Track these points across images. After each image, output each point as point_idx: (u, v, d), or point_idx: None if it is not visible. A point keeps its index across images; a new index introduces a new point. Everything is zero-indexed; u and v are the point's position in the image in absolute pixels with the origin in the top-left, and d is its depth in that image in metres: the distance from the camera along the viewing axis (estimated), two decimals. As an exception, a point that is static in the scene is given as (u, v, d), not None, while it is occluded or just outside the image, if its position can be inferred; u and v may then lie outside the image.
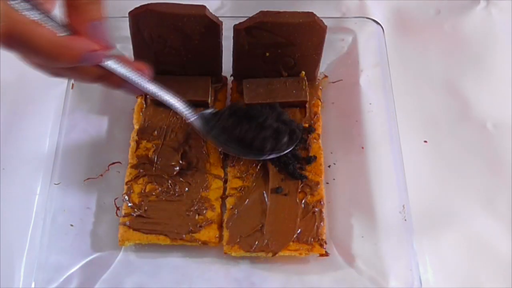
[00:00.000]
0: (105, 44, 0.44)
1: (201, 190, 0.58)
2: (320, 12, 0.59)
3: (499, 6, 0.77)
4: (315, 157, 0.60)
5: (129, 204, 0.57)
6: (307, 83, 0.63)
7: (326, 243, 0.56)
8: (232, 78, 0.66)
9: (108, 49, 0.44)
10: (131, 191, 0.58)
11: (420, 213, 0.60)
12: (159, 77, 0.62)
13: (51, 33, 0.40)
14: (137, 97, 0.64)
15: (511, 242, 0.59)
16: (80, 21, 0.43)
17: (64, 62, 0.41)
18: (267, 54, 0.61)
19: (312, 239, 0.56)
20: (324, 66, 0.68)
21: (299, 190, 0.58)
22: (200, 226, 0.56)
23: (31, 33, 0.39)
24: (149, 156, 0.60)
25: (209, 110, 0.60)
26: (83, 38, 0.42)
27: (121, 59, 0.47)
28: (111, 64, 0.46)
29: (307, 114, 0.63)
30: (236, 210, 0.57)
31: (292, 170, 0.58)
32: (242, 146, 0.58)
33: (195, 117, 0.57)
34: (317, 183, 0.59)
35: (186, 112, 0.56)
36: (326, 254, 0.56)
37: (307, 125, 0.62)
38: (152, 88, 0.51)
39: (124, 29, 0.61)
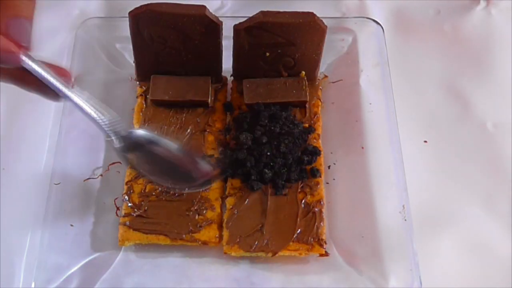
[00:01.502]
0: (25, 45, 0.40)
1: (201, 190, 0.58)
2: (320, 12, 0.59)
3: (499, 6, 0.77)
4: (318, 170, 0.60)
5: (129, 204, 0.57)
6: (307, 83, 0.63)
7: (326, 243, 0.56)
8: (232, 78, 0.66)
9: (26, 50, 0.41)
10: (131, 191, 0.58)
11: (420, 213, 0.60)
12: (159, 77, 0.63)
13: None
14: (137, 97, 0.64)
15: (511, 242, 0.59)
16: (2, 16, 0.39)
17: None
18: (267, 54, 0.61)
19: (312, 239, 0.56)
20: (324, 66, 0.68)
21: (299, 190, 0.58)
22: (200, 226, 0.56)
23: None
24: (149, 156, 0.60)
25: (137, 133, 0.50)
26: (1, 36, 0.39)
27: (41, 62, 0.43)
28: (30, 64, 0.41)
29: (307, 114, 0.63)
30: (236, 210, 0.57)
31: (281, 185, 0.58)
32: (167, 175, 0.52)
33: (115, 137, 0.48)
34: (317, 183, 0.59)
35: (106, 128, 0.47)
36: (326, 254, 0.56)
37: (307, 125, 0.62)
38: (71, 95, 0.44)
39: (124, 29, 0.61)
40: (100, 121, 0.46)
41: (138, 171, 0.52)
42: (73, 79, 0.44)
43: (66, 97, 0.44)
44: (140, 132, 0.50)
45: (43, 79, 0.42)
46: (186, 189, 0.55)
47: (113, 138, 0.48)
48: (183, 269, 0.56)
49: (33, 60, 0.41)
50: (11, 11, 0.39)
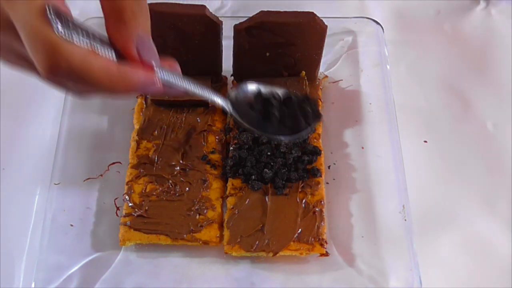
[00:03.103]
0: (156, 64, 0.40)
1: (201, 189, 0.58)
2: (320, 12, 0.59)
3: (499, 6, 0.77)
4: (318, 170, 0.60)
5: (130, 204, 0.57)
6: (307, 83, 0.63)
7: (326, 242, 0.56)
8: (232, 78, 0.66)
9: (157, 71, 0.40)
10: (132, 191, 0.58)
11: (420, 213, 0.60)
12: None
13: (108, 64, 0.36)
14: (137, 97, 0.64)
15: (511, 242, 0.59)
16: (126, 36, 0.38)
17: (119, 93, 0.38)
18: (267, 54, 0.61)
19: (312, 239, 0.56)
20: (324, 66, 0.68)
21: (300, 190, 0.58)
22: (201, 226, 0.56)
23: (88, 66, 0.35)
24: (150, 156, 0.60)
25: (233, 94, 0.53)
26: (139, 66, 0.38)
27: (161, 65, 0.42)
28: (161, 76, 0.41)
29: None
30: (236, 210, 0.57)
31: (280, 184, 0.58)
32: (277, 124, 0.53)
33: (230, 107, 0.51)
34: (318, 183, 0.59)
35: (227, 107, 0.51)
36: (326, 254, 0.56)
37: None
38: (191, 87, 0.46)
39: (124, 29, 0.60)
40: (221, 101, 0.50)
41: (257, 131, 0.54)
42: (178, 67, 0.44)
43: (191, 91, 0.46)
44: (246, 88, 0.54)
45: (171, 84, 0.43)
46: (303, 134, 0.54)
47: (231, 111, 0.52)
48: (184, 269, 0.56)
49: (160, 70, 0.41)
50: (135, 30, 0.38)
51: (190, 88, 0.45)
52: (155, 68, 0.40)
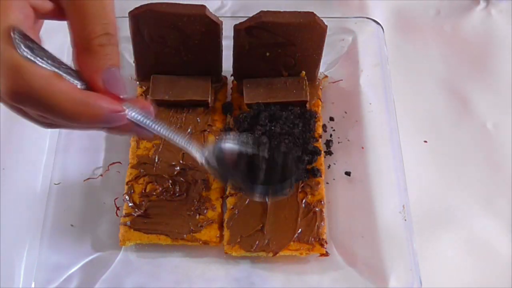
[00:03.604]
0: (122, 96, 0.39)
1: (201, 189, 0.58)
2: (320, 12, 0.59)
3: (499, 6, 0.77)
4: (318, 170, 0.60)
5: (130, 204, 0.57)
6: (307, 83, 0.63)
7: (326, 242, 0.56)
8: (232, 78, 0.66)
9: (124, 101, 0.39)
10: (132, 191, 0.58)
11: (420, 213, 0.60)
12: (159, 77, 0.63)
13: (71, 88, 0.35)
14: (137, 97, 0.64)
15: (511, 242, 0.59)
16: (92, 67, 0.37)
17: (82, 123, 0.36)
18: (267, 54, 0.61)
19: (312, 239, 0.56)
20: (324, 66, 0.68)
21: (300, 190, 0.58)
22: (201, 226, 0.56)
23: (50, 89, 0.34)
24: (150, 156, 0.60)
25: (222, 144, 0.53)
26: (105, 95, 0.37)
27: (132, 103, 0.41)
28: (132, 115, 0.40)
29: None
30: (236, 210, 0.57)
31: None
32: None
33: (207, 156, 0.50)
34: (318, 183, 0.59)
35: (196, 155, 0.50)
36: (326, 254, 0.56)
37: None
38: (164, 131, 0.45)
39: (124, 29, 0.60)
40: (195, 151, 0.49)
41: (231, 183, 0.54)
42: (152, 110, 0.43)
43: (160, 133, 0.44)
44: (225, 145, 0.52)
45: (141, 123, 0.42)
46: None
47: (204, 162, 0.50)
48: (184, 269, 0.56)
49: (129, 107, 0.40)
50: (104, 61, 0.37)
51: (163, 132, 0.44)
52: (122, 97, 0.39)
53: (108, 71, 0.37)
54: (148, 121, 0.42)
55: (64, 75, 0.36)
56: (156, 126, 0.43)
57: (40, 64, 0.34)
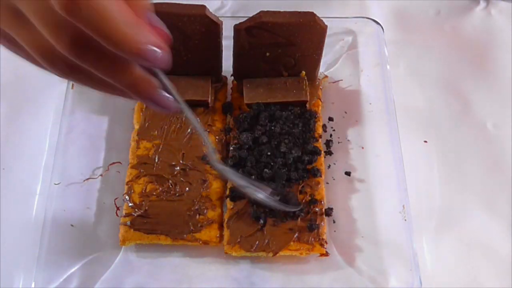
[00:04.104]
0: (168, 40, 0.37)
1: (201, 189, 0.58)
2: (320, 12, 0.59)
3: (499, 6, 0.77)
4: (318, 170, 0.60)
5: (130, 204, 0.57)
6: (307, 83, 0.63)
7: (326, 242, 0.56)
8: (232, 78, 0.66)
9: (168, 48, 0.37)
10: (132, 191, 0.58)
11: (420, 213, 0.60)
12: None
13: (128, 11, 0.34)
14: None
15: (511, 242, 0.59)
16: (140, 6, 0.36)
17: (126, 50, 0.34)
18: (267, 54, 0.61)
19: (312, 239, 0.55)
20: (324, 66, 0.68)
21: (300, 190, 0.58)
22: (201, 226, 0.56)
23: (109, 4, 0.33)
24: (150, 156, 0.60)
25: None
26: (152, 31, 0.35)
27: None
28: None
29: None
30: (236, 210, 0.57)
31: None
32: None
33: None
34: (318, 183, 0.59)
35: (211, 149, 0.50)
36: (326, 254, 0.56)
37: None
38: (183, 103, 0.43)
39: (124, 29, 0.60)
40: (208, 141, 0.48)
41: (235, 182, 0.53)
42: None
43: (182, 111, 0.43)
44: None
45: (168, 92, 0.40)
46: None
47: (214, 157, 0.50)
48: (184, 269, 0.56)
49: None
50: (145, 3, 0.36)
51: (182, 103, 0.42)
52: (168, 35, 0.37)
53: (149, 13, 0.37)
54: (173, 90, 0.40)
55: None
56: (176, 94, 0.40)
57: None
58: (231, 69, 0.65)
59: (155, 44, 0.35)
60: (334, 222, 0.59)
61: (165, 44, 0.36)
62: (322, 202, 0.58)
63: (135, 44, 0.34)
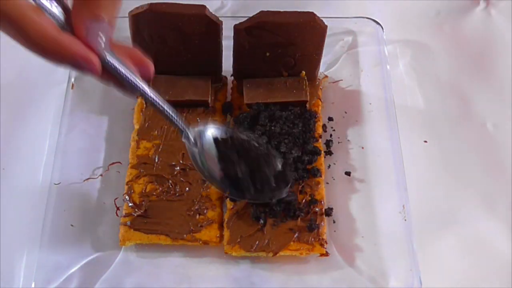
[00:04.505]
0: (100, 52, 0.39)
1: (201, 189, 0.58)
2: (320, 12, 0.59)
3: (499, 7, 0.77)
4: (318, 170, 0.60)
5: (130, 204, 0.57)
6: (307, 83, 0.63)
7: (326, 242, 0.56)
8: (232, 78, 0.66)
9: (99, 57, 0.39)
10: (132, 191, 0.58)
11: (420, 213, 0.60)
12: (159, 77, 0.63)
13: (47, 25, 0.36)
14: (137, 97, 0.64)
15: (511, 242, 0.59)
16: (83, 14, 0.37)
17: (53, 59, 0.37)
18: (267, 54, 0.61)
19: (312, 239, 0.55)
20: (324, 66, 0.68)
21: (300, 190, 0.58)
22: (201, 226, 0.56)
23: (23, 20, 0.35)
24: (150, 156, 0.60)
25: (209, 129, 0.51)
26: (78, 41, 0.37)
27: (124, 55, 0.41)
28: (110, 63, 0.40)
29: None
30: (236, 210, 0.57)
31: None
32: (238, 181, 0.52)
33: (191, 135, 0.49)
34: (318, 183, 0.59)
35: (182, 128, 0.48)
36: (326, 254, 0.56)
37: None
38: (149, 93, 0.44)
39: (124, 29, 0.60)
40: (176, 118, 0.47)
41: (209, 178, 0.52)
42: (152, 70, 0.43)
43: (143, 94, 0.43)
44: (215, 128, 0.51)
45: (121, 77, 0.41)
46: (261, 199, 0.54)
47: (190, 136, 0.49)
48: (184, 269, 0.56)
49: (112, 56, 0.40)
50: (92, 11, 0.37)
51: (147, 93, 0.43)
52: (98, 50, 0.38)
53: (93, 22, 0.38)
54: (128, 75, 0.41)
55: (51, 10, 0.37)
56: (138, 84, 0.42)
57: None
58: (231, 69, 0.65)
59: (75, 56, 0.37)
60: (334, 222, 0.59)
61: (90, 53, 0.38)
62: (322, 202, 0.58)
63: (52, 56, 0.37)
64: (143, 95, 0.43)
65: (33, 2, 0.36)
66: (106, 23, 0.38)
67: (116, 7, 0.39)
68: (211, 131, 0.52)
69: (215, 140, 0.51)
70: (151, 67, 0.43)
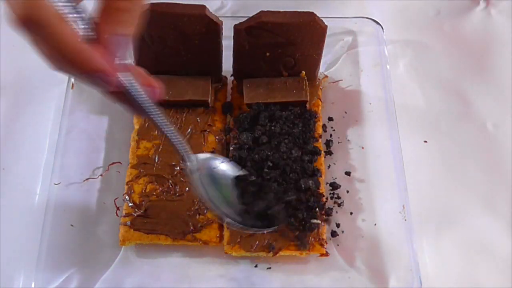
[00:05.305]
0: (119, 66, 0.39)
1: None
2: (320, 12, 0.59)
3: (498, 7, 0.77)
4: (318, 170, 0.60)
5: (130, 204, 0.57)
6: (307, 83, 0.63)
7: (326, 242, 0.56)
8: (232, 78, 0.66)
9: (119, 73, 0.39)
10: (132, 191, 0.58)
11: (420, 213, 0.60)
12: (159, 77, 0.63)
13: (72, 36, 0.36)
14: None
15: (511, 242, 0.59)
16: (107, 29, 0.38)
17: (72, 70, 0.37)
18: (267, 54, 0.61)
19: (312, 239, 0.55)
20: (324, 66, 0.68)
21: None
22: (201, 226, 0.56)
23: (52, 28, 0.35)
24: (150, 156, 0.60)
25: (214, 164, 0.52)
26: (100, 54, 0.38)
27: (136, 75, 0.41)
28: (124, 82, 0.40)
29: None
30: (236, 210, 0.57)
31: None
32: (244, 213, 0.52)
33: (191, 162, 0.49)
34: (318, 183, 0.59)
35: (184, 154, 0.48)
36: (326, 254, 0.56)
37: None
38: (159, 119, 0.44)
39: (124, 29, 0.60)
40: (181, 145, 0.47)
41: (209, 201, 0.51)
42: (158, 92, 0.42)
43: (153, 119, 0.43)
44: (214, 160, 0.52)
45: (133, 98, 0.41)
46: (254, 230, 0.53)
47: (188, 163, 0.49)
48: (184, 269, 0.56)
49: (127, 75, 0.40)
50: (114, 26, 0.38)
51: (154, 115, 0.42)
52: (117, 66, 0.39)
53: (115, 37, 0.38)
54: (140, 98, 0.41)
55: (75, 19, 0.37)
56: (149, 107, 0.41)
57: (52, 1, 0.35)
58: (231, 69, 0.65)
59: (95, 68, 0.37)
60: (334, 222, 0.59)
61: (110, 67, 0.38)
62: (322, 202, 0.58)
63: (74, 65, 0.37)
64: (151, 119, 0.43)
65: (61, 11, 0.36)
66: (127, 38, 0.39)
67: (136, 22, 0.39)
68: (218, 163, 0.53)
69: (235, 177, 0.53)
70: (158, 89, 0.43)
